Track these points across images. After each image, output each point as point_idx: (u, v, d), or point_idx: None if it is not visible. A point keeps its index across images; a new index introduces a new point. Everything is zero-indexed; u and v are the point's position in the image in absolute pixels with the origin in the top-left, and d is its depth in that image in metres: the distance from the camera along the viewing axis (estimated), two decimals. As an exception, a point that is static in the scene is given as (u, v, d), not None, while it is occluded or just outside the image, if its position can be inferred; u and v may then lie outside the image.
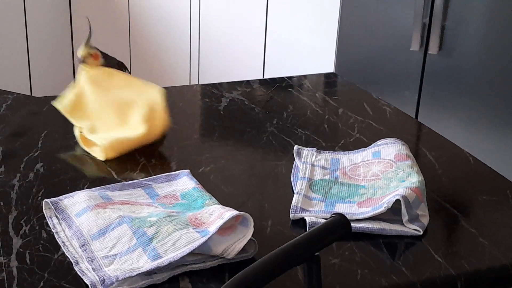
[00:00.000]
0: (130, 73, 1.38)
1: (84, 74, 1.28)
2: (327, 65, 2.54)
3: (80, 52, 1.29)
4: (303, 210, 1.01)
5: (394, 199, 0.97)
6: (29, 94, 3.01)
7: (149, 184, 1.06)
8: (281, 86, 1.55)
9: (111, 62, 1.34)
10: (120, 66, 1.35)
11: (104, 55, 1.36)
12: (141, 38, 3.17)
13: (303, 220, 1.00)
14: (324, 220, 0.97)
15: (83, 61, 1.29)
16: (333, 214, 0.83)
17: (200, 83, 3.01)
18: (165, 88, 1.55)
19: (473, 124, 2.06)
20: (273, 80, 1.59)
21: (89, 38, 1.28)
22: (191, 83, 3.07)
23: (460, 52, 2.05)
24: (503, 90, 1.97)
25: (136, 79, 1.29)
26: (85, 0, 3.20)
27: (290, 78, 1.61)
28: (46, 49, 3.20)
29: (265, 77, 2.79)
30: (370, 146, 1.19)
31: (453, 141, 1.30)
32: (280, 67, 2.76)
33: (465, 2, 2.01)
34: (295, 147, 1.19)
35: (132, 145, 1.20)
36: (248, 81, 1.57)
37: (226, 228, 0.90)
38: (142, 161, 1.17)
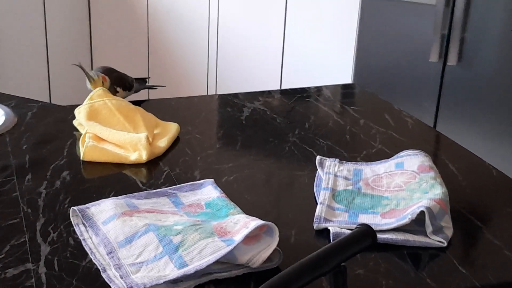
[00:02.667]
0: (127, 88, 1.44)
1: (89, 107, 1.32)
2: (345, 76, 2.55)
3: (92, 85, 1.39)
4: (326, 220, 1.02)
5: (419, 211, 0.98)
6: (49, 102, 3.04)
7: (174, 193, 1.07)
8: (301, 96, 1.56)
9: (112, 76, 1.42)
10: (115, 80, 1.41)
11: (108, 73, 1.42)
12: (160, 48, 3.20)
13: (326, 230, 1.00)
14: (348, 231, 0.98)
15: (99, 87, 1.38)
16: (359, 224, 0.84)
17: (217, 92, 3.03)
18: (188, 98, 1.57)
19: (491, 136, 2.05)
20: (293, 90, 1.60)
21: (88, 74, 1.39)
22: (208, 93, 3.09)
23: (479, 63, 2.04)
24: (523, 102, 1.96)
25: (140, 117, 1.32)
26: (104, 8, 3.23)
27: (310, 88, 1.62)
28: (66, 57, 3.24)
29: (283, 87, 2.81)
30: (392, 157, 1.19)
31: (472, 152, 1.30)
32: (298, 77, 2.77)
33: (485, 14, 2.01)
34: (318, 157, 1.19)
35: (111, 158, 1.21)
36: (269, 91, 1.58)
37: (251, 237, 0.91)
38: (166, 170, 1.18)
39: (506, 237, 1.00)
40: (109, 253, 0.91)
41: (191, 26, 3.06)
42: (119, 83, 1.42)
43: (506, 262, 0.94)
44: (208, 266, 0.87)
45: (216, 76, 3.07)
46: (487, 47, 2.02)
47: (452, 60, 2.10)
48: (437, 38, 2.11)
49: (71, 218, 1.00)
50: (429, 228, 0.98)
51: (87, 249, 0.93)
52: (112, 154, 1.21)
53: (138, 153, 1.21)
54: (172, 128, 1.32)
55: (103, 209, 1.00)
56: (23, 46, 3.09)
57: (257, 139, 1.32)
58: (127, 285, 0.84)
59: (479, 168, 1.24)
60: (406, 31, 2.23)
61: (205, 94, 3.08)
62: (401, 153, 1.19)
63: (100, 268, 0.89)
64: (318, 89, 1.62)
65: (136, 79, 1.53)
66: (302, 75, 2.75)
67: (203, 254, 0.88)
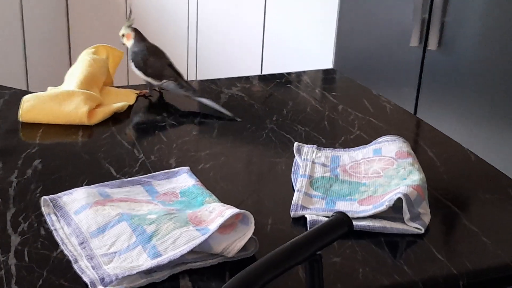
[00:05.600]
0: (140, 68, 1.42)
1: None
2: (326, 61, 2.53)
3: (121, 31, 1.44)
4: (303, 208, 1.01)
5: (396, 197, 0.97)
6: (26, 90, 2.99)
7: (149, 181, 1.05)
8: (280, 82, 1.55)
9: (138, 51, 1.41)
10: (143, 60, 1.41)
11: (141, 41, 1.42)
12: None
13: (303, 218, 0.99)
14: (325, 218, 0.97)
15: (122, 38, 1.45)
16: (335, 212, 0.82)
17: (197, 79, 3.00)
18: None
19: (472, 121, 2.05)
20: (272, 76, 1.58)
21: (129, 18, 1.42)
22: (188, 79, 3.06)
23: (460, 48, 2.04)
24: (502, 86, 1.96)
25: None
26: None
27: (289, 74, 1.60)
28: (43, 44, 3.19)
29: (263, 72, 2.78)
30: (371, 143, 1.18)
31: (452, 138, 1.29)
32: (278, 64, 2.74)
33: (465, -2, 2.00)
34: (295, 144, 1.18)
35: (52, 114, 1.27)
36: (247, 77, 1.56)
37: (227, 226, 0.89)
38: (141, 157, 1.16)
39: (483, 223, 1.00)
40: (81, 243, 0.89)
41: (171, 11, 3.02)
42: (135, 58, 1.42)
43: (483, 249, 0.94)
44: (183, 256, 0.85)
45: (196, 62, 3.03)
46: (468, 31, 2.01)
47: (432, 44, 2.09)
48: (417, 22, 2.10)
49: (42, 208, 0.97)
50: (406, 215, 0.97)
51: (58, 239, 0.91)
52: (51, 113, 1.26)
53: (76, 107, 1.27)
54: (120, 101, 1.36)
55: (75, 198, 0.97)
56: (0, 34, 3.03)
57: (234, 126, 1.31)
58: (99, 276, 0.83)
59: (457, 154, 1.23)
60: (387, 16, 2.22)
61: (185, 80, 3.04)
62: (379, 139, 1.18)
63: (71, 259, 0.87)
64: (297, 74, 1.60)
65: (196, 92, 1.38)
66: (283, 61, 2.73)
67: (177, 244, 0.87)
